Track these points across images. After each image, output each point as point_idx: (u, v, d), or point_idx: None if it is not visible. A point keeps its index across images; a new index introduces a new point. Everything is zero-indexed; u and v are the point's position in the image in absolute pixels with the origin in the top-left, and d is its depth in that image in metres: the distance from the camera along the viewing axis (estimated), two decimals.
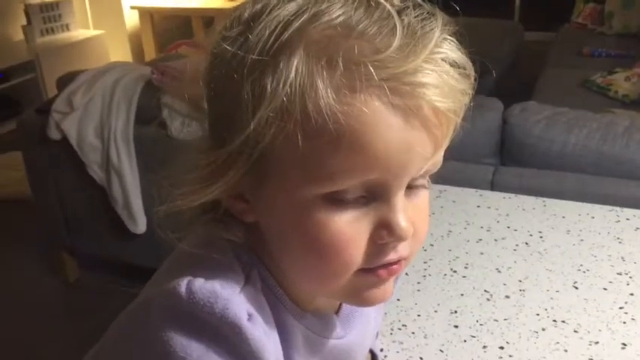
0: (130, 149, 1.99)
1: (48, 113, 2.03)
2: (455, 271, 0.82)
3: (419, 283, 0.80)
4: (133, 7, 3.94)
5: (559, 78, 2.62)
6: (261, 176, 0.41)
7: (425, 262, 0.84)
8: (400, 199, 0.41)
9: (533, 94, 2.40)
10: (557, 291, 0.78)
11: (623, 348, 0.68)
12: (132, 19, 4.04)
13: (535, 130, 1.54)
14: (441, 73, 0.39)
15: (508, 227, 0.92)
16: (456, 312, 0.75)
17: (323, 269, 0.42)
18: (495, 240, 0.89)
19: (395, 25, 0.38)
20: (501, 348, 0.69)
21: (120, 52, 4.07)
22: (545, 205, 0.98)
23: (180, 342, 0.39)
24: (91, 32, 3.97)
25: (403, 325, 0.72)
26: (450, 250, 0.87)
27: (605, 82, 2.41)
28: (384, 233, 0.40)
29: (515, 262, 0.84)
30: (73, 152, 2.02)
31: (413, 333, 0.71)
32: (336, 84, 0.38)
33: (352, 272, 0.42)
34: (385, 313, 0.73)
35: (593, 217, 0.94)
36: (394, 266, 0.42)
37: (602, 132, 1.53)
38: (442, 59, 0.39)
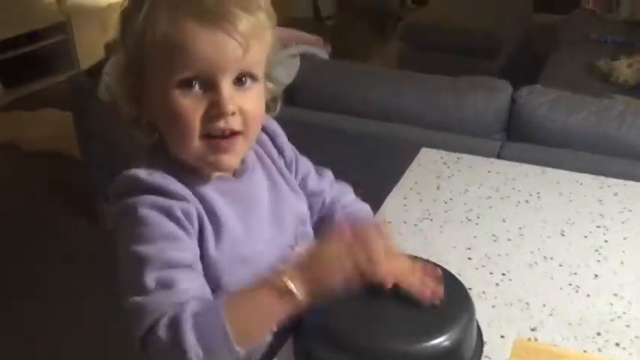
0: None
1: (98, 75, 2.23)
2: (469, 219, 1.05)
3: (441, 227, 1.03)
4: None
5: (566, 62, 2.78)
6: (141, 76, 0.66)
7: (445, 212, 1.07)
8: (226, 88, 0.65)
9: (540, 76, 2.58)
10: (549, 237, 1.00)
11: (595, 277, 0.91)
12: None
13: (540, 110, 1.75)
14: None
15: (513, 188, 1.15)
16: (469, 249, 0.97)
17: (177, 134, 0.66)
18: (502, 197, 1.12)
19: None
20: (503, 274, 0.92)
21: None
22: (544, 173, 1.20)
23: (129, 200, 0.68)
24: None
25: (429, 256, 0.95)
26: (465, 204, 1.10)
27: (608, 68, 2.58)
28: (213, 108, 0.65)
29: (516, 214, 1.07)
30: (119, 112, 2.22)
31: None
32: (168, 18, 0.63)
33: (197, 137, 0.66)
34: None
35: (581, 184, 1.16)
36: (230, 138, 0.66)
37: (598, 115, 1.74)
38: None
